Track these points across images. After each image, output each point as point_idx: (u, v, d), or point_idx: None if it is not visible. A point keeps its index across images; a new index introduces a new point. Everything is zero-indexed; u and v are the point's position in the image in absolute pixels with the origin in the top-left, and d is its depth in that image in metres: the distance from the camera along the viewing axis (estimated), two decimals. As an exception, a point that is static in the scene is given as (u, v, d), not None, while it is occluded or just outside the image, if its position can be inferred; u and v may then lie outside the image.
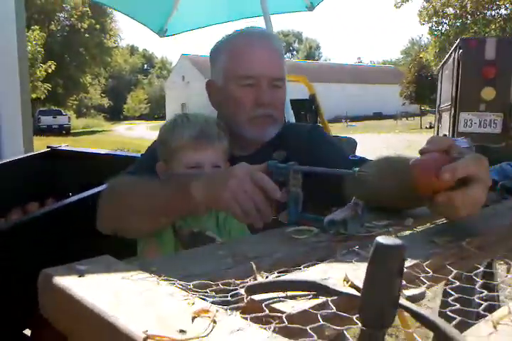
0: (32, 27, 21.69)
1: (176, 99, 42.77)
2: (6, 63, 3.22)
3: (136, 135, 24.38)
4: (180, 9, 2.75)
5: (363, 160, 1.18)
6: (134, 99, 60.65)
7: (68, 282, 0.56)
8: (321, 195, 1.06)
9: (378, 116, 40.66)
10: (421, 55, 26.20)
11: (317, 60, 76.15)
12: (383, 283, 0.44)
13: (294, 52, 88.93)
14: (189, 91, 39.59)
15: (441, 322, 0.43)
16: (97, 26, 34.21)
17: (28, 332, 1.55)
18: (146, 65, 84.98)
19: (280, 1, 2.86)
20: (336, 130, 24.17)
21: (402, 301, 0.46)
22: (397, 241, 0.45)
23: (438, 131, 7.05)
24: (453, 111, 4.58)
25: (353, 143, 1.62)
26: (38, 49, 20.87)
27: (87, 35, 33.33)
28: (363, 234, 0.83)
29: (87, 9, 32.56)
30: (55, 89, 30.23)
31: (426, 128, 20.54)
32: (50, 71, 21.94)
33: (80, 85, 35.71)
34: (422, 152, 0.78)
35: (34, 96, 21.55)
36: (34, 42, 20.54)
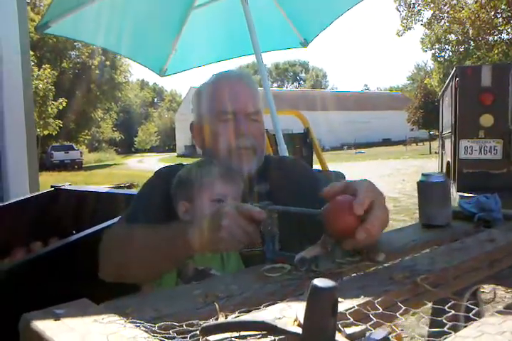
0: (43, 66, 22.35)
1: (185, 130, 42.89)
2: (10, 103, 3.34)
3: (147, 167, 24.61)
4: (178, 50, 2.88)
5: None
6: (144, 132, 61.55)
7: (44, 326, 0.61)
8: (299, 232, 1.11)
9: (387, 142, 40.70)
10: (425, 81, 26.44)
11: (324, 89, 77.00)
12: (318, 323, 0.49)
13: (301, 82, 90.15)
14: (198, 122, 39.93)
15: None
16: (107, 63, 35.12)
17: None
18: (156, 99, 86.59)
19: (273, 38, 2.98)
20: (344, 157, 24.26)
21: (339, 338, 0.50)
22: (331, 284, 0.50)
23: (442, 157, 7.08)
24: (453, 138, 4.64)
25: (340, 177, 1.66)
26: (49, 87, 21.43)
27: (97, 71, 34.17)
28: (334, 271, 0.87)
29: (98, 47, 33.49)
30: (67, 124, 30.81)
31: (435, 153, 20.47)
32: (61, 108, 22.45)
33: (92, 120, 36.40)
34: (325, 197, 0.92)
35: (46, 132, 21.99)
36: (45, 80, 21.13)
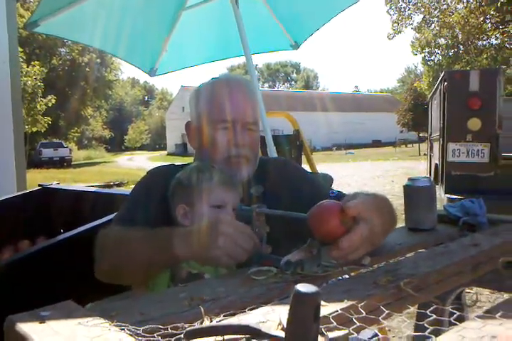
0: (32, 62, 22.16)
1: (176, 129, 43.23)
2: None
3: (137, 166, 24.53)
4: (169, 50, 2.88)
5: (340, 196, 1.24)
6: (135, 130, 61.28)
7: (29, 328, 0.61)
8: (291, 233, 1.12)
9: (377, 143, 40.94)
10: (415, 84, 26.62)
11: (315, 90, 77.22)
12: (301, 327, 0.50)
13: (293, 83, 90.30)
14: (189, 121, 39.98)
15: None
16: (98, 60, 34.95)
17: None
18: (146, 97, 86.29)
19: (263, 40, 2.99)
20: (335, 158, 24.37)
21: (321, 343, 0.51)
22: (313, 289, 0.51)
23: (430, 159, 7.13)
24: (441, 141, 4.69)
25: (329, 180, 1.67)
26: (38, 83, 21.24)
27: (87, 69, 33.99)
28: (319, 274, 0.88)
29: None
30: (57, 121, 30.62)
31: (424, 154, 20.65)
32: (50, 105, 22.26)
33: (82, 118, 36.19)
34: None
35: (35, 129, 21.80)
36: (34, 77, 20.94)
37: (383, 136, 42.67)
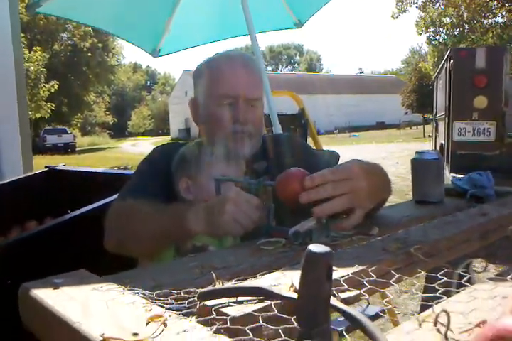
0: (34, 48, 22.06)
1: (179, 114, 43.11)
2: (3, 84, 3.31)
3: (141, 151, 24.54)
4: (172, 30, 2.85)
5: None
6: (138, 115, 61.21)
7: (43, 294, 0.62)
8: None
9: (381, 125, 40.72)
10: (420, 65, 26.36)
11: (318, 72, 76.59)
12: (313, 287, 0.50)
13: (296, 65, 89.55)
14: (192, 106, 39.86)
15: (365, 320, 0.49)
16: (100, 45, 34.70)
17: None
18: (149, 82, 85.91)
19: (267, 19, 2.95)
20: (339, 140, 24.29)
21: (334, 302, 0.52)
22: (326, 249, 0.51)
23: (436, 139, 7.10)
24: (447, 120, 4.66)
25: (335, 157, 1.68)
26: (41, 69, 21.17)
27: (89, 54, 33.78)
28: (328, 244, 0.88)
29: (89, 29, 33.02)
30: (60, 108, 30.56)
31: (429, 136, 20.52)
32: (53, 90, 22.21)
33: (84, 103, 36.11)
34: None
35: (38, 115, 21.80)
36: (36, 62, 20.85)
37: (387, 118, 42.38)
